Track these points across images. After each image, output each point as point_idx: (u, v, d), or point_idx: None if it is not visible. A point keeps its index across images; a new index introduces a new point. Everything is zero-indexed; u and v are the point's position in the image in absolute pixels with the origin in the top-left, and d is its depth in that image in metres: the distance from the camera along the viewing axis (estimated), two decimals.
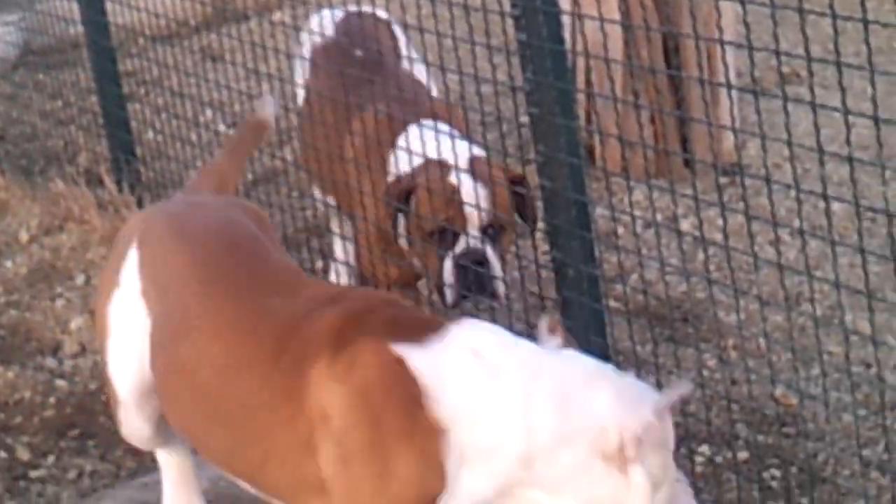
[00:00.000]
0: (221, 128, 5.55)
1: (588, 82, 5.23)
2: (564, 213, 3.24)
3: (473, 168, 3.61)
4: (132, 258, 3.03)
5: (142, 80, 6.51)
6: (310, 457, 2.52)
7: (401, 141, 3.75)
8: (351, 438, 2.45)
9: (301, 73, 4.48)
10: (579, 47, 4.95)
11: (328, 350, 2.53)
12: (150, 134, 5.69)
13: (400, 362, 2.48)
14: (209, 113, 5.63)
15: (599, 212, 4.55)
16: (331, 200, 4.31)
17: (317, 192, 4.46)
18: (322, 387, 2.50)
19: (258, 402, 2.61)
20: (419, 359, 2.49)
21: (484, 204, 3.57)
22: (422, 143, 3.65)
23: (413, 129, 3.72)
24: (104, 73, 5.37)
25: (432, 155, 3.62)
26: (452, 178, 3.60)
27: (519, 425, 2.45)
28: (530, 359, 2.54)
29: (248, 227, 3.02)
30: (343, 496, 2.48)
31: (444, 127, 3.62)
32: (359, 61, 4.15)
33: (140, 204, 5.17)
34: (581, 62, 5.21)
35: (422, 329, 2.55)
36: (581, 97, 5.20)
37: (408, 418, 2.43)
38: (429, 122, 3.67)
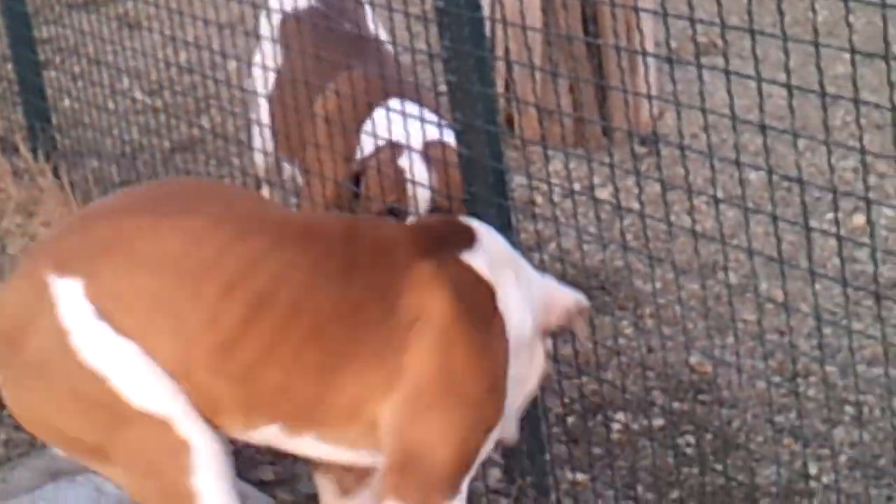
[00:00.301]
0: (138, 95, 5.50)
1: (507, 51, 5.24)
2: (482, 181, 3.24)
3: (427, 150, 3.58)
4: None
5: (58, 48, 6.43)
6: (400, 353, 2.69)
7: (366, 124, 3.70)
8: (453, 329, 2.70)
9: (270, 56, 4.28)
10: (498, 15, 4.96)
11: (416, 258, 2.77)
12: (67, 102, 5.62)
13: (470, 267, 2.80)
14: (126, 81, 5.58)
15: (518, 181, 4.57)
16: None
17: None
18: (419, 289, 2.73)
19: (346, 308, 2.72)
20: (480, 263, 2.82)
21: (434, 185, 3.54)
22: (388, 125, 3.58)
23: (379, 111, 3.65)
24: (19, 39, 5.30)
25: (397, 136, 3.57)
26: (402, 161, 3.57)
27: (529, 318, 2.86)
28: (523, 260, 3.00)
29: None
30: (443, 379, 2.70)
31: (411, 107, 3.56)
32: (338, 35, 4.07)
33: (56, 172, 5.12)
34: (499, 30, 5.22)
35: (466, 236, 2.89)
36: (500, 66, 5.21)
37: (493, 312, 2.78)
38: (396, 103, 3.61)
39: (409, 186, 3.53)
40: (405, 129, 3.46)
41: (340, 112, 3.74)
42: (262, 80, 4.23)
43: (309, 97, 3.82)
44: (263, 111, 4.25)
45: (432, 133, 3.53)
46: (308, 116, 3.84)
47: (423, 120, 3.47)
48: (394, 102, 3.57)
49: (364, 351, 2.70)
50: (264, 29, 4.18)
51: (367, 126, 3.67)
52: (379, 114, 3.61)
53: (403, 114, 3.46)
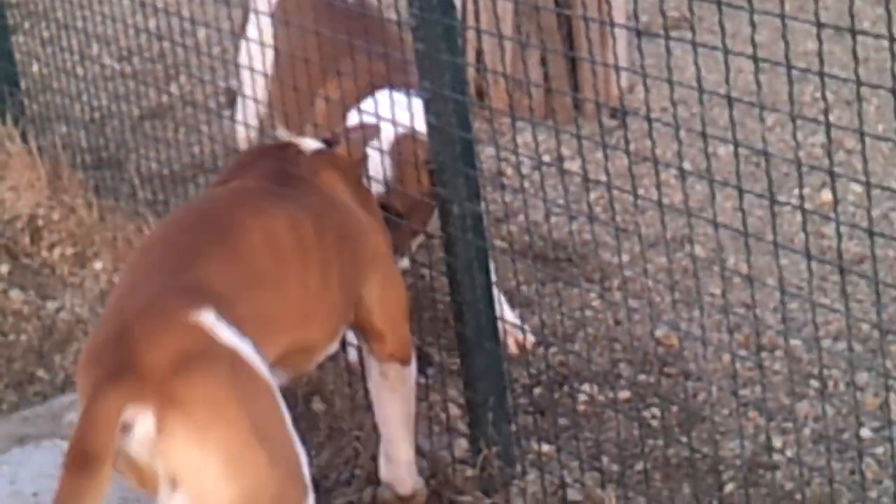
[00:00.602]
0: (107, 61, 5.48)
1: (477, 20, 5.23)
2: (449, 151, 3.24)
3: (395, 144, 3.54)
4: None
5: (27, 12, 6.39)
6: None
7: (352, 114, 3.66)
8: None
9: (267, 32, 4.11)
10: None
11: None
12: (36, 67, 5.60)
13: None
14: (96, 47, 5.55)
15: (487, 152, 4.57)
16: None
17: None
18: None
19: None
20: None
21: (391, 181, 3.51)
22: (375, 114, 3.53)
23: (369, 101, 3.61)
24: None
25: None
26: (368, 149, 3.49)
27: None
28: None
29: None
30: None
31: (400, 97, 3.53)
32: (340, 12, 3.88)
33: (24, 137, 5.10)
34: (471, 1, 5.21)
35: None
36: (471, 36, 5.20)
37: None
38: (384, 95, 3.57)
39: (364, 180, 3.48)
40: (382, 120, 3.43)
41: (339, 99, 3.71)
42: (253, 53, 4.15)
43: (310, 74, 3.79)
44: (248, 84, 4.22)
45: (408, 126, 3.47)
46: (307, 95, 3.82)
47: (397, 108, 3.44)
48: (382, 95, 3.54)
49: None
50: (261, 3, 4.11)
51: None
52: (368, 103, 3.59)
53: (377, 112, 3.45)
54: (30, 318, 4.39)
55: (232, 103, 4.70)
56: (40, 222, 4.86)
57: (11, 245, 4.81)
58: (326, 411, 3.75)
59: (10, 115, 5.20)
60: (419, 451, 3.46)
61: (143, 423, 2.36)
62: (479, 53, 5.26)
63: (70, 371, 4.07)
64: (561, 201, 4.35)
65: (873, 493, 3.29)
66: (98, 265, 4.60)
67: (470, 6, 5.22)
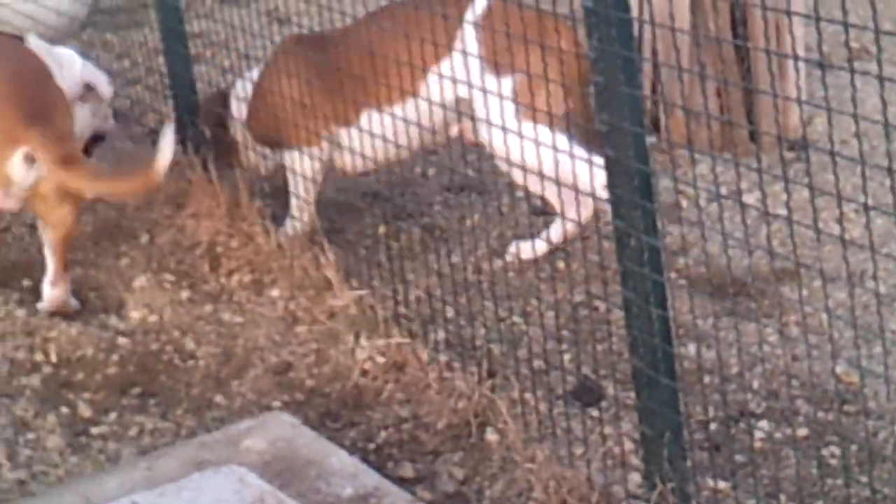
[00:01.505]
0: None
1: (655, 52, 5.20)
2: (627, 183, 3.22)
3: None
4: None
5: (208, 42, 6.52)
6: None
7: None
8: None
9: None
10: (645, 16, 4.92)
11: None
12: None
13: None
14: None
15: (663, 184, 4.53)
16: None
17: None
18: None
19: None
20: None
21: None
22: None
23: None
24: (172, 33, 5.38)
25: None
26: None
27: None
28: None
29: None
30: None
31: None
32: None
33: (205, 165, 5.19)
34: (647, 31, 5.18)
35: None
36: (646, 67, 5.17)
37: None
38: None
39: None
40: None
41: None
42: None
43: None
44: None
45: None
46: None
47: None
48: None
49: None
50: None
51: None
52: None
53: None
54: (207, 344, 4.46)
55: None
56: (219, 249, 4.94)
57: (191, 271, 4.89)
58: (499, 442, 3.75)
59: (191, 143, 5.30)
60: (591, 485, 3.44)
61: None
62: (654, 85, 5.23)
63: (248, 398, 4.13)
64: (738, 234, 4.31)
65: None
66: (275, 292, 4.66)
67: (646, 36, 5.20)
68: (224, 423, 4.00)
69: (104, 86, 5.05)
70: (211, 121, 5.13)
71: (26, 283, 4.93)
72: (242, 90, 4.97)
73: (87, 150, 5.08)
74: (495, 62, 4.07)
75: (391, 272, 4.40)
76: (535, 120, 3.81)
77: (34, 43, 4.83)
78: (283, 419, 3.81)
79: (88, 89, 4.94)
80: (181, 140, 5.34)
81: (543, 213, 4.62)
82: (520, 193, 4.41)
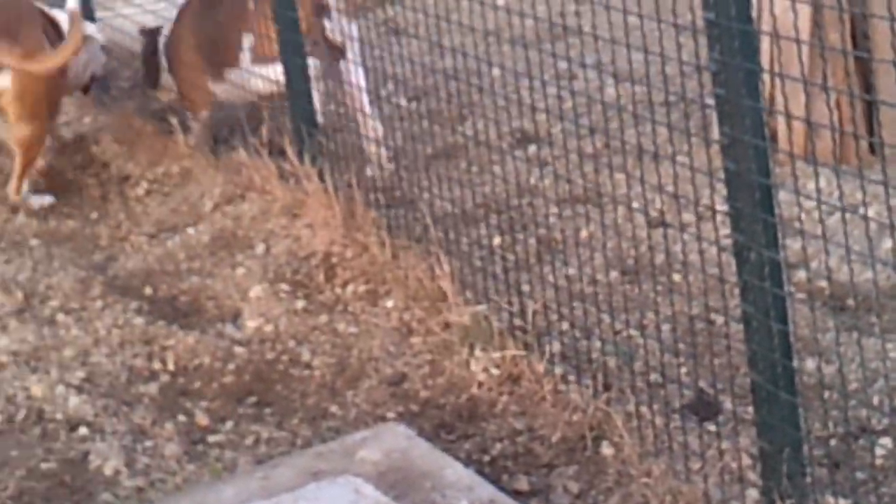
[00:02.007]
0: (402, 102, 5.57)
1: (779, 63, 5.13)
2: (748, 196, 3.19)
3: None
4: None
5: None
6: None
7: None
8: None
9: None
10: (765, 27, 4.86)
11: None
12: (332, 106, 5.73)
13: None
14: (390, 86, 5.65)
15: (781, 196, 4.47)
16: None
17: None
18: None
19: None
20: None
21: None
22: None
23: None
24: (290, 44, 5.41)
25: None
26: None
27: None
28: None
29: None
30: None
31: None
32: None
33: (321, 176, 5.22)
34: (764, 42, 5.12)
35: None
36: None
37: None
38: None
39: None
40: None
41: None
42: None
43: None
44: None
45: None
46: None
47: None
48: None
49: None
50: None
51: None
52: None
53: None
54: (323, 354, 4.48)
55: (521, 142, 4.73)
56: (334, 259, 4.97)
57: (306, 281, 4.92)
58: (615, 456, 3.72)
59: (307, 154, 5.33)
60: (708, 500, 3.40)
61: None
62: (772, 96, 5.17)
63: (362, 408, 4.14)
64: (859, 247, 4.25)
65: None
66: (389, 303, 4.68)
67: (764, 48, 5.14)
68: (339, 433, 4.02)
69: (95, 33, 6.52)
70: (147, 49, 6.50)
71: (147, 291, 4.99)
72: (167, 29, 6.38)
73: (86, 89, 6.60)
74: None
75: (506, 284, 4.39)
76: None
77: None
78: (398, 430, 3.82)
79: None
80: (298, 151, 5.37)
81: (661, 224, 4.58)
82: (636, 205, 4.38)
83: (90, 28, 6.47)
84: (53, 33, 5.95)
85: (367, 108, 5.56)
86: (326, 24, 5.68)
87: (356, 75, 5.59)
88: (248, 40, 5.92)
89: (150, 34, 6.51)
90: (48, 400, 4.25)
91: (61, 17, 6.07)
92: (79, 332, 4.66)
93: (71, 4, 6.19)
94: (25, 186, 5.91)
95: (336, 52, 5.67)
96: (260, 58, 5.80)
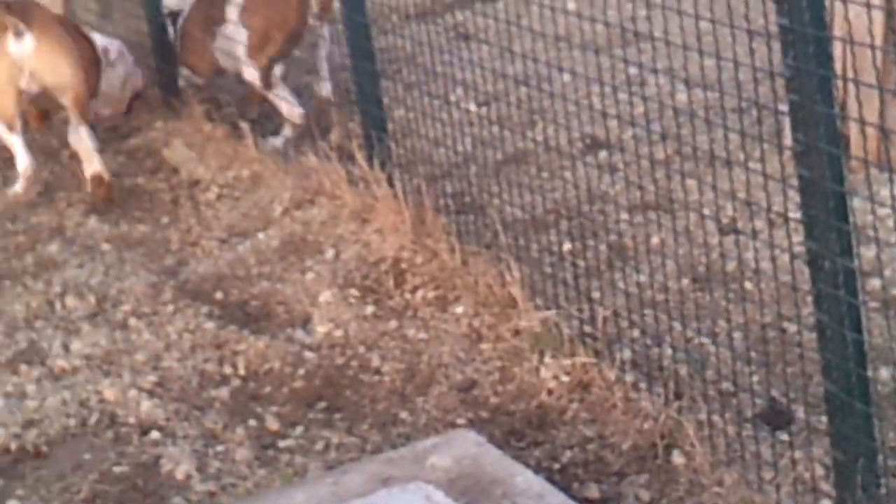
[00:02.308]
0: (472, 107, 5.56)
1: (854, 69, 5.09)
2: (822, 204, 3.16)
3: None
4: None
5: (393, 58, 6.57)
6: None
7: None
8: None
9: None
10: (837, 32, 4.82)
11: None
12: (400, 111, 5.73)
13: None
14: (459, 91, 5.65)
15: (855, 203, 4.43)
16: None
17: None
18: None
19: None
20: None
21: None
22: None
23: None
24: (359, 49, 5.42)
25: None
26: None
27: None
28: None
29: None
30: None
31: None
32: None
33: (390, 181, 5.23)
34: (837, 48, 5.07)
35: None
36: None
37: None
38: None
39: None
40: None
41: None
42: None
43: None
44: None
45: None
46: None
47: None
48: None
49: None
50: None
51: None
52: None
53: None
54: (392, 360, 4.49)
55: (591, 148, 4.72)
56: (404, 265, 4.97)
57: (376, 287, 4.93)
58: (686, 465, 3.70)
59: (377, 159, 5.34)
60: None
61: None
62: (844, 102, 5.12)
63: (432, 414, 4.14)
64: None
65: None
66: (459, 309, 4.67)
67: (836, 53, 5.10)
68: (409, 439, 4.02)
69: (125, 51, 6.74)
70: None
71: (218, 295, 5.02)
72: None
73: (129, 108, 6.88)
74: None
75: (577, 290, 4.37)
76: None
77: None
78: (468, 437, 3.81)
79: (114, 55, 6.64)
80: (367, 156, 5.38)
81: (733, 231, 4.56)
82: (707, 211, 4.36)
83: (115, 45, 6.71)
84: (90, 52, 6.40)
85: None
86: None
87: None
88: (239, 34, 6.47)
89: (173, 17, 7.02)
90: (121, 404, 4.28)
91: (99, 39, 6.56)
92: (150, 337, 4.70)
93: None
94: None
95: None
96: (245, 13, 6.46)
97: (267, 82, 6.47)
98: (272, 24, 6.48)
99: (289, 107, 6.48)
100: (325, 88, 6.57)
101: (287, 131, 6.47)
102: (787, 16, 3.12)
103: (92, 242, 5.61)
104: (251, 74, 6.48)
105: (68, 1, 7.93)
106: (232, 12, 6.49)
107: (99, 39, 6.62)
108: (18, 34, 5.95)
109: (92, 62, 6.39)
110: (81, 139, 6.06)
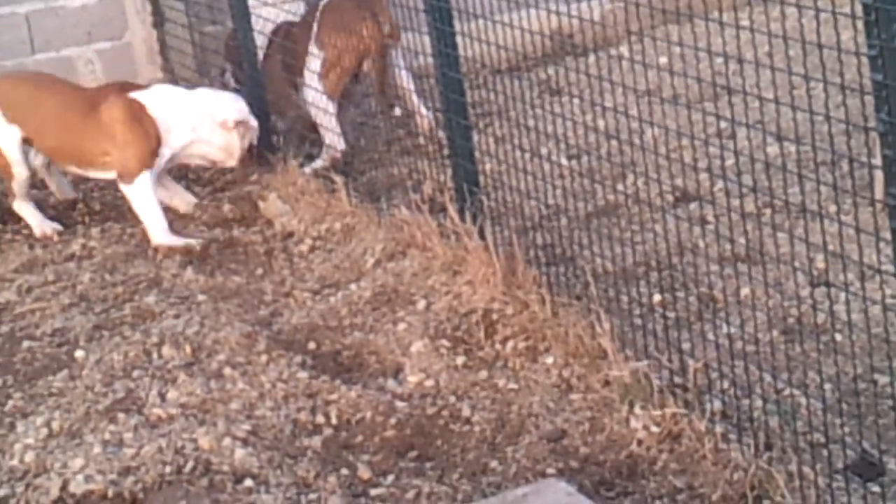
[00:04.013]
0: (563, 161, 5.61)
1: None
2: None
3: None
4: None
5: (482, 112, 6.64)
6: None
7: None
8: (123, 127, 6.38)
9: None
10: None
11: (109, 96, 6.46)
12: (491, 164, 5.78)
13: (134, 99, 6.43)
14: (549, 145, 5.70)
15: None
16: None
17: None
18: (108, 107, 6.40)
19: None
20: (141, 94, 6.46)
21: None
22: None
23: None
24: (452, 103, 5.49)
25: None
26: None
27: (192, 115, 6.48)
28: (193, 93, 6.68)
29: None
30: (121, 151, 6.38)
31: None
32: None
33: (482, 234, 5.27)
34: None
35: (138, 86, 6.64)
36: None
37: (145, 116, 6.40)
38: None
39: None
40: None
41: None
42: None
43: None
44: None
45: None
46: None
47: None
48: None
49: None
50: None
51: None
52: None
53: None
54: (483, 409, 4.52)
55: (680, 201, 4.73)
56: (494, 316, 5.01)
57: (467, 338, 4.97)
58: None
59: (468, 212, 5.39)
60: None
61: None
62: None
63: (522, 464, 4.16)
64: None
65: None
66: (549, 360, 4.70)
67: None
68: (499, 488, 4.05)
69: (252, 119, 6.71)
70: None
71: (311, 346, 5.08)
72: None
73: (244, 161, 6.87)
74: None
75: (666, 341, 4.39)
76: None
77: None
78: (558, 486, 3.84)
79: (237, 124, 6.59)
80: (459, 209, 5.44)
81: (826, 283, 4.56)
82: (797, 263, 4.37)
83: (244, 112, 6.61)
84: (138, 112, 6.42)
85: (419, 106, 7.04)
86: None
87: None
88: (312, 58, 7.01)
89: (231, 35, 7.52)
90: (215, 452, 4.34)
91: (151, 100, 6.45)
92: (245, 386, 4.76)
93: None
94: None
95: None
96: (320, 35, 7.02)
97: (326, 108, 6.88)
98: (346, 46, 6.89)
99: (335, 138, 6.90)
100: (426, 117, 6.93)
101: (323, 161, 6.91)
102: (881, 71, 3.14)
103: (188, 293, 5.70)
104: (315, 98, 6.93)
105: (167, 60, 8.15)
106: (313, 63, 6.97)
107: (218, 105, 6.53)
108: None
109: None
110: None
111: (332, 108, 6.94)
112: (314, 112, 6.99)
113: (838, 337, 4.38)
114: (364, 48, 6.90)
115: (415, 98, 7.04)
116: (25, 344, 5.40)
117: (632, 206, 5.29)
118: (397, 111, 7.16)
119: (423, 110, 6.98)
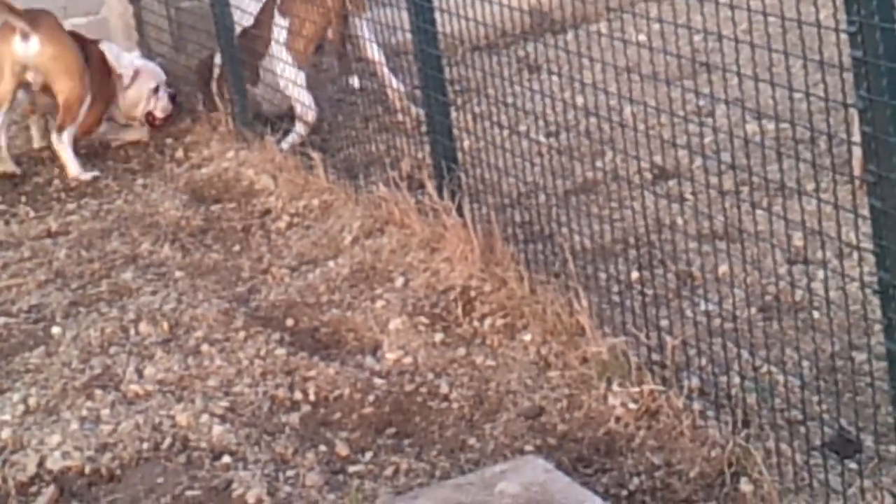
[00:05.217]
0: (542, 138, 5.60)
1: None
2: (893, 234, 3.17)
3: None
4: None
5: (461, 89, 6.62)
6: None
7: None
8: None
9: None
10: None
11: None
12: (469, 141, 5.77)
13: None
14: (526, 122, 5.69)
15: None
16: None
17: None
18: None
19: None
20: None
21: None
22: None
23: None
24: (431, 80, 5.47)
25: None
26: None
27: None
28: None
29: None
30: None
31: None
32: None
33: (460, 211, 5.27)
34: None
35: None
36: None
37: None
38: None
39: None
40: None
41: None
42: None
43: None
44: None
45: None
46: None
47: None
48: None
49: None
50: None
51: None
52: None
53: None
54: (461, 386, 4.52)
55: (659, 178, 4.74)
56: (473, 293, 5.01)
57: (445, 315, 4.97)
58: (754, 493, 3.71)
59: (447, 189, 5.38)
60: None
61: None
62: None
63: (500, 441, 4.17)
64: None
65: None
66: (527, 337, 4.70)
67: None
68: (477, 465, 4.05)
69: (158, 71, 7.68)
70: (202, 78, 7.67)
71: (288, 322, 5.07)
72: (219, 59, 7.46)
73: (153, 125, 7.64)
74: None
75: (644, 318, 4.39)
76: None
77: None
78: (536, 463, 3.84)
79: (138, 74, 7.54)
80: (437, 186, 5.43)
81: (804, 261, 4.57)
82: (775, 241, 4.37)
83: (148, 67, 7.71)
84: (99, 67, 7.40)
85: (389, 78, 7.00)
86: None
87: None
88: (278, 28, 7.08)
89: (203, 64, 7.66)
90: (193, 428, 4.34)
91: (130, 59, 7.56)
92: (222, 363, 4.76)
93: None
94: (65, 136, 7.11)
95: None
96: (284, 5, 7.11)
97: (295, 78, 6.94)
98: (309, 14, 6.96)
99: (306, 107, 6.97)
100: (396, 89, 6.94)
101: (300, 128, 7.00)
102: (860, 47, 3.14)
103: (165, 270, 5.69)
104: (284, 69, 6.99)
105: (143, 35, 8.19)
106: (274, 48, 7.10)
107: (130, 59, 7.58)
108: (25, 36, 7.03)
109: (100, 75, 7.37)
110: (61, 142, 7.13)
111: (301, 78, 6.98)
112: (283, 84, 7.02)
113: (816, 314, 4.39)
114: (326, 17, 6.98)
115: (385, 71, 7.05)
116: (1, 320, 5.39)
117: (610, 184, 5.29)
118: (355, 82, 7.14)
119: (394, 83, 6.99)
